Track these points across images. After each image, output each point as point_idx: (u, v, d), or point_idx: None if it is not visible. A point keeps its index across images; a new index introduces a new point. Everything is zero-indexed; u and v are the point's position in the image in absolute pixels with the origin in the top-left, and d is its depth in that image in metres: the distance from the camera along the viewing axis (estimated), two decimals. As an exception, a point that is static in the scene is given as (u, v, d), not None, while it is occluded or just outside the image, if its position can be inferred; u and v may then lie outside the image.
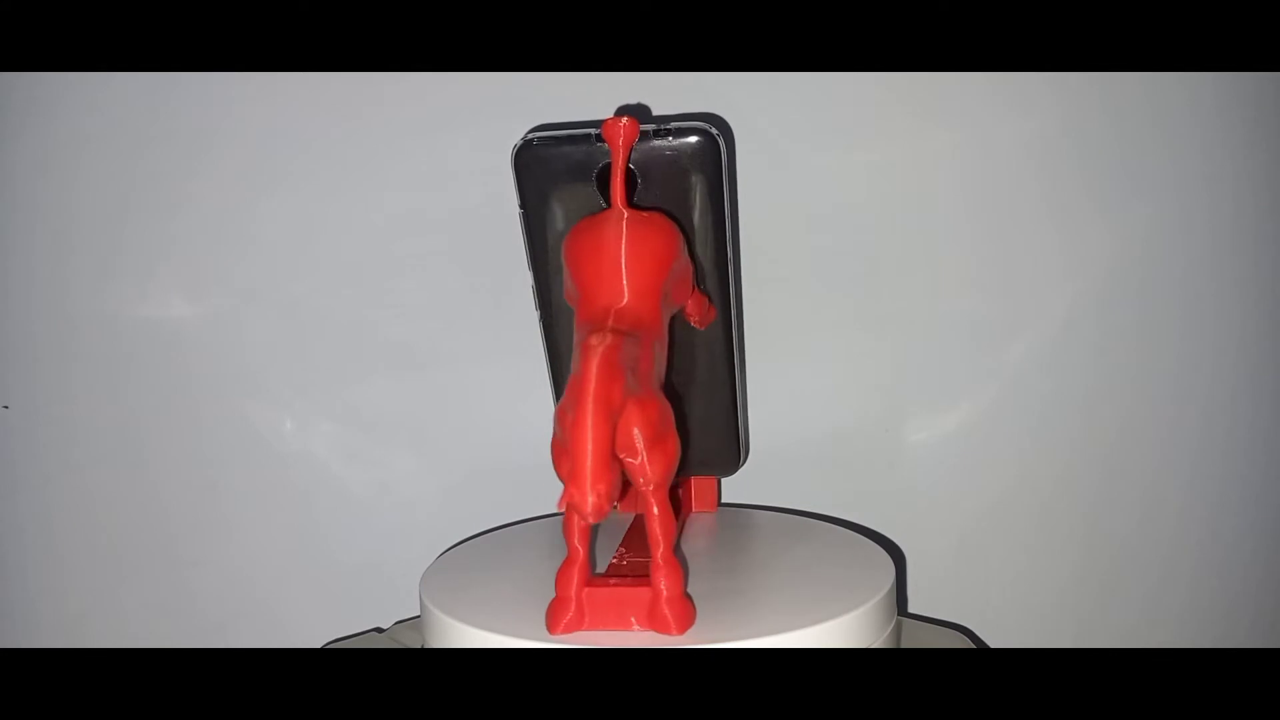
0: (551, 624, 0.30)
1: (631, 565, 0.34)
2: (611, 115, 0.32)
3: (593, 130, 0.33)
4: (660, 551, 0.30)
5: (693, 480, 0.42)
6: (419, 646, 0.36)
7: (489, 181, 0.46)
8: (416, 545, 0.40)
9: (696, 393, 0.38)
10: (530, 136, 0.34)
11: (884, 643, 0.34)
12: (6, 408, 0.46)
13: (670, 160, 0.34)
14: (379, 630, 0.45)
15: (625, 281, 0.31)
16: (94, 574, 0.47)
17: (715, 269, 0.36)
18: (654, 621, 0.30)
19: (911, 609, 0.48)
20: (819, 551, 0.39)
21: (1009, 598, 0.50)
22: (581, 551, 0.30)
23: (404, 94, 0.45)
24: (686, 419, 0.38)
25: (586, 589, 0.30)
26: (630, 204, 0.32)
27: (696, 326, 0.37)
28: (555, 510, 0.46)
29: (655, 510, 0.30)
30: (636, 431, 0.28)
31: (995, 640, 0.49)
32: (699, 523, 0.42)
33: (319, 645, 0.44)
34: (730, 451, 0.40)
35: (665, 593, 0.30)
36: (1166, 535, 0.49)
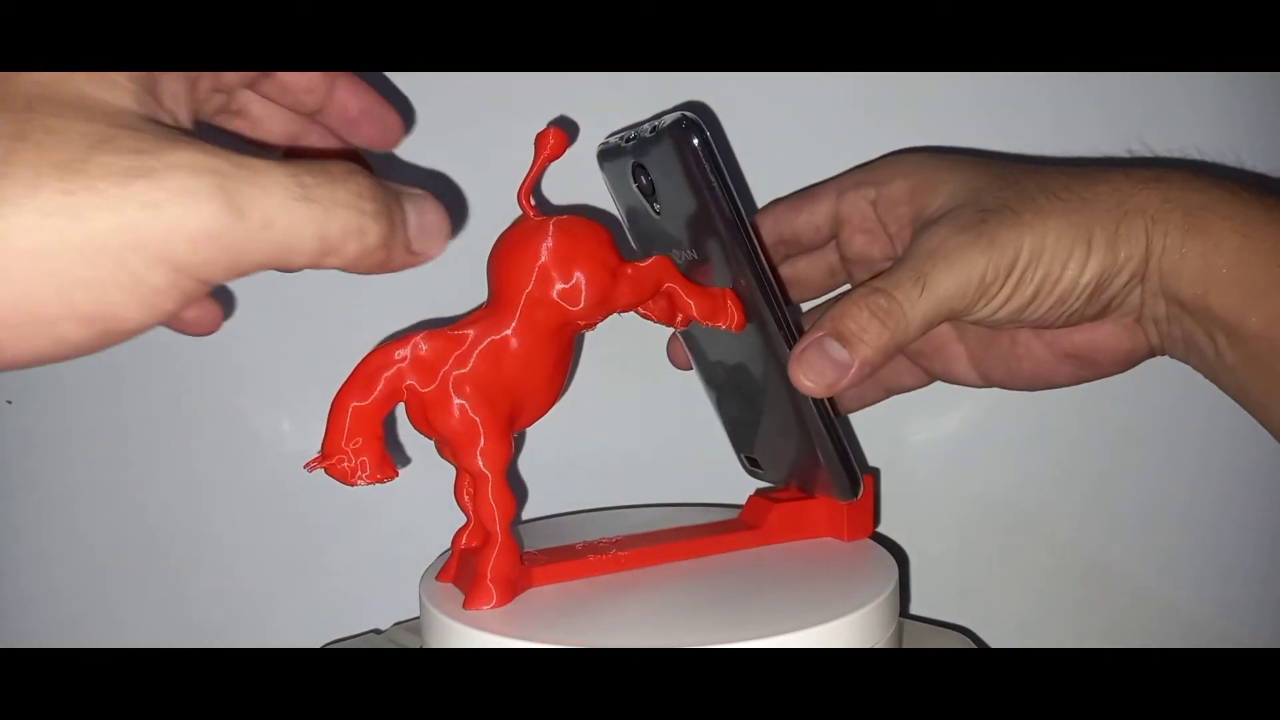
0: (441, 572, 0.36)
1: (591, 548, 0.37)
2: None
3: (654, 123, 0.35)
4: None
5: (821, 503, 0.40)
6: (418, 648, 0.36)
7: (490, 181, 0.46)
8: (416, 545, 0.40)
9: (785, 411, 0.38)
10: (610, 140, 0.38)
11: (886, 644, 0.34)
12: (9, 402, 0.46)
13: (664, 153, 0.35)
14: (377, 632, 0.45)
15: (491, 282, 0.35)
16: (90, 574, 0.47)
17: (738, 263, 0.35)
18: (471, 591, 0.33)
19: (912, 610, 0.48)
20: (822, 552, 0.39)
21: (1010, 599, 0.50)
22: (468, 515, 0.36)
23: (407, 92, 0.45)
24: (783, 439, 0.39)
25: (462, 550, 0.36)
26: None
27: (730, 329, 0.37)
28: (555, 511, 0.46)
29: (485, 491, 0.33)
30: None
31: (996, 642, 0.49)
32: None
33: (317, 646, 0.44)
34: (838, 473, 0.38)
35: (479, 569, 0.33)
36: (1168, 535, 0.49)
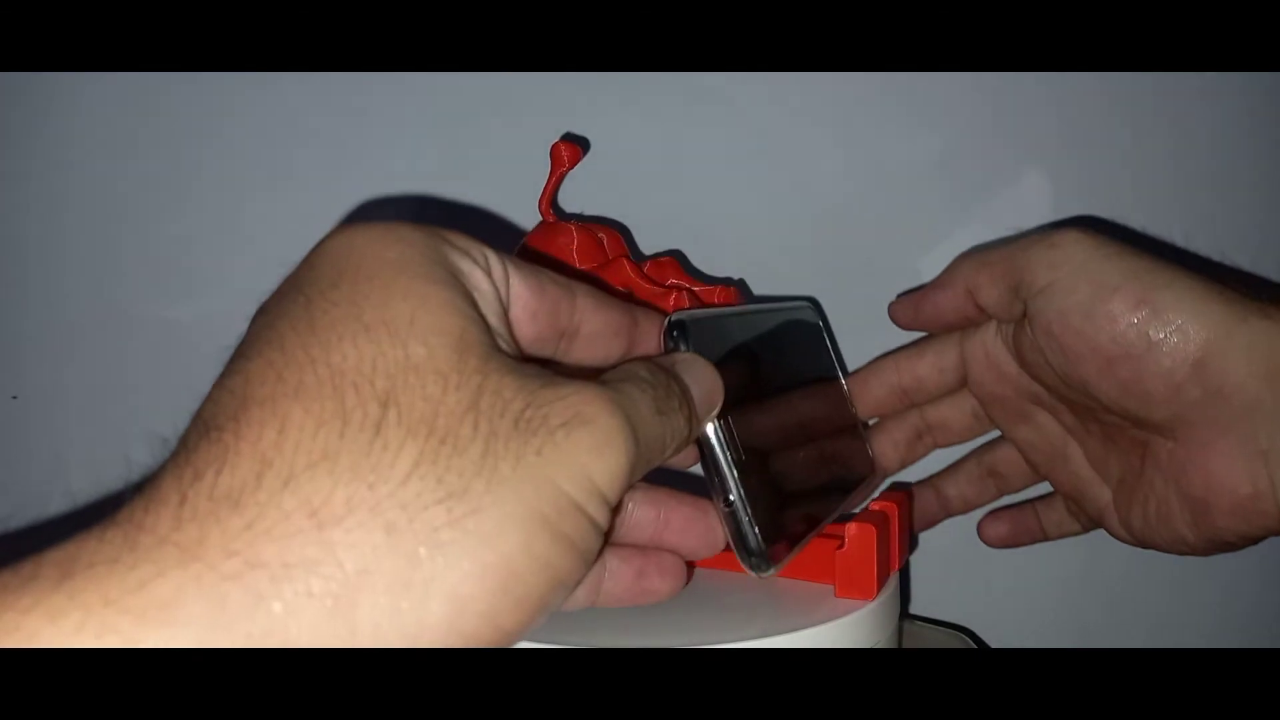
0: None
1: None
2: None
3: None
4: None
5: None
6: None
7: (490, 181, 0.46)
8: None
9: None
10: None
11: (886, 644, 0.34)
12: (15, 398, 0.46)
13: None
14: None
15: None
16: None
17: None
18: None
19: (912, 610, 0.48)
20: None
21: (1010, 599, 0.50)
22: None
23: (407, 93, 0.45)
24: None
25: None
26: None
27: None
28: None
29: None
30: None
31: (996, 642, 0.49)
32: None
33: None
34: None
35: None
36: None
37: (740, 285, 0.46)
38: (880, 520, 0.35)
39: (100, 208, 0.46)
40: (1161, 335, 0.33)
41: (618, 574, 0.29)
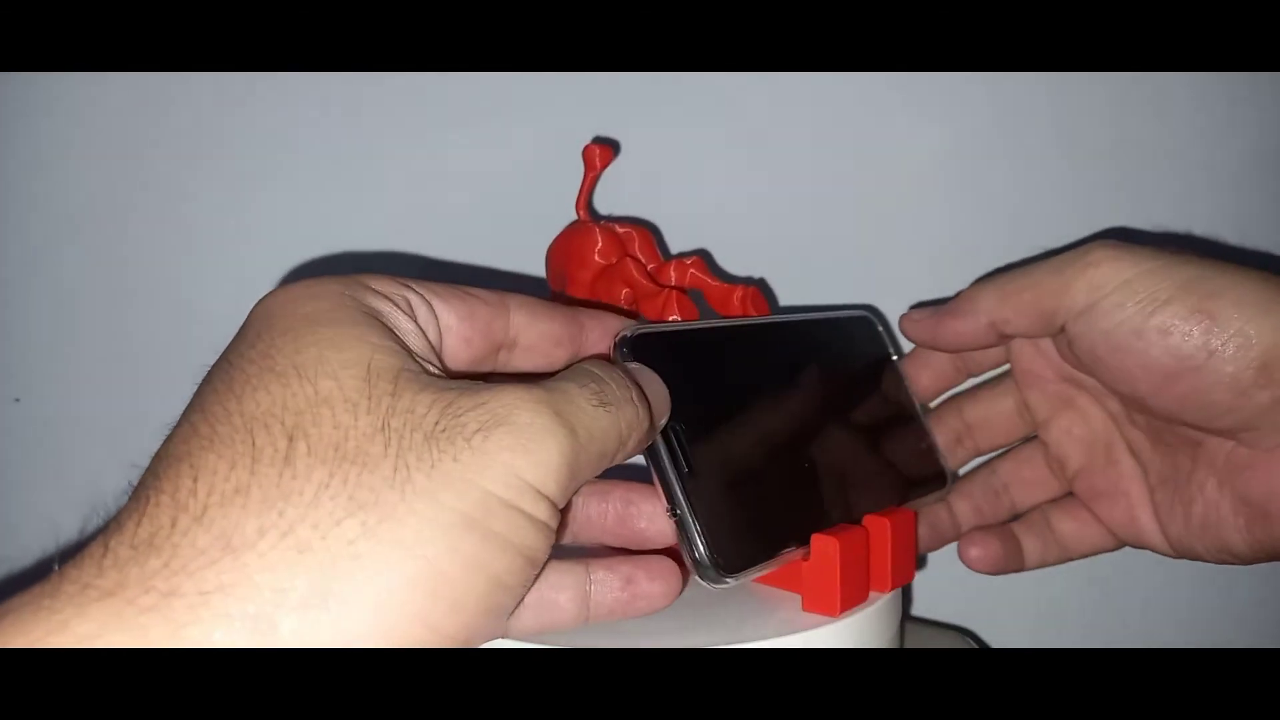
0: None
1: None
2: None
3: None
4: None
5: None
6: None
7: (489, 182, 0.46)
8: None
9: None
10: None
11: (888, 645, 0.34)
12: (18, 400, 0.46)
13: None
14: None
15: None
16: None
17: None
18: None
19: (914, 611, 0.48)
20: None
21: (1010, 599, 0.50)
22: None
23: (407, 94, 0.45)
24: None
25: None
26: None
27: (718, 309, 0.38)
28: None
29: None
30: None
31: (997, 642, 0.49)
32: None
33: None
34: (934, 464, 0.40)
35: None
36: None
37: (761, 285, 0.46)
38: (852, 536, 0.33)
39: (101, 208, 0.46)
40: (1221, 342, 0.32)
41: (605, 583, 0.29)
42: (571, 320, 0.30)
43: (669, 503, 0.30)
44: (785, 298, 0.47)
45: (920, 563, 0.46)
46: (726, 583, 0.30)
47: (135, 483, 0.22)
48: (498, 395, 0.23)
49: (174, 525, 0.20)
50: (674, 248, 0.46)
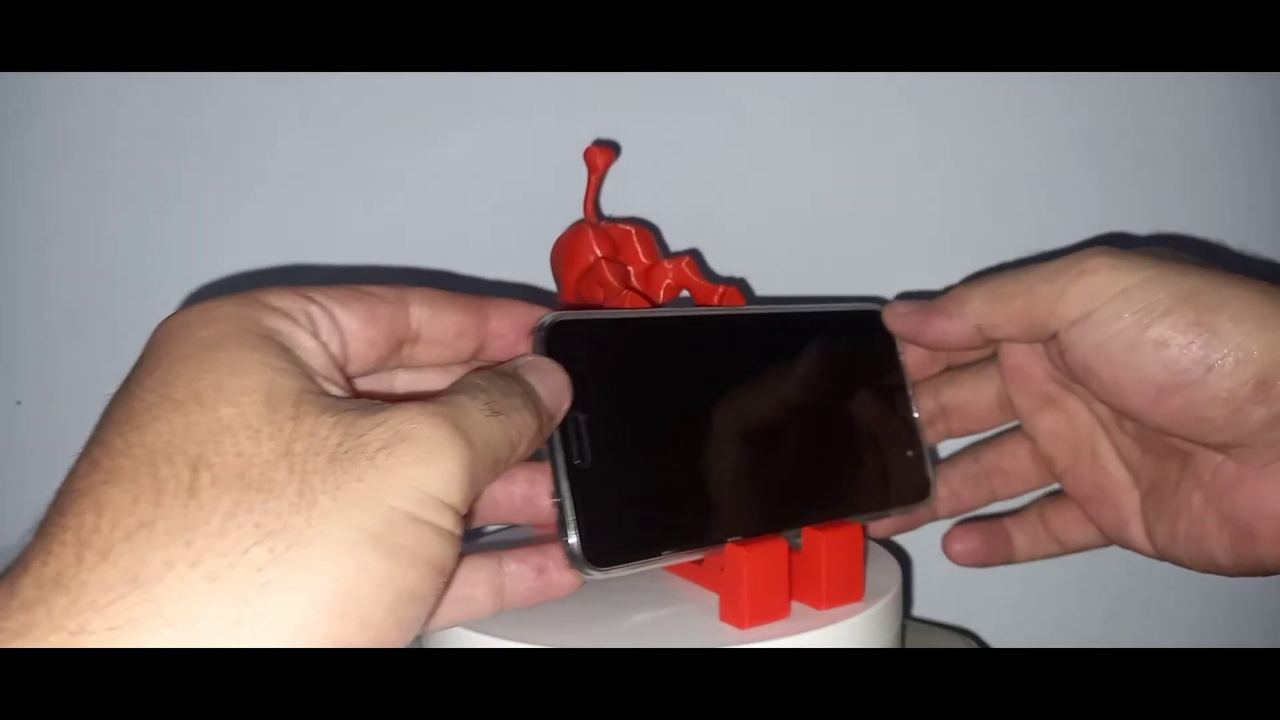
0: None
1: None
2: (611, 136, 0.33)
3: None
4: None
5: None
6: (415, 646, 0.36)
7: (487, 183, 0.46)
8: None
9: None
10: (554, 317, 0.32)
11: (889, 645, 0.34)
12: (19, 403, 0.46)
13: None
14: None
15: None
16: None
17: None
18: None
19: (915, 612, 0.48)
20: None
21: (1011, 600, 0.50)
22: None
23: (407, 94, 0.45)
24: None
25: None
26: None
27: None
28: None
29: None
30: None
31: (997, 642, 0.49)
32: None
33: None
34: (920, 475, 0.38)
35: None
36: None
37: (741, 285, 0.46)
38: (769, 548, 0.32)
39: (106, 208, 0.46)
40: (1220, 356, 0.31)
41: (519, 575, 0.30)
42: (474, 310, 0.30)
43: (554, 489, 0.30)
44: (785, 298, 0.47)
45: (914, 564, 0.46)
46: (592, 575, 0.30)
47: (40, 520, 0.23)
48: (398, 412, 0.24)
49: (80, 562, 0.21)
50: (674, 247, 0.46)
